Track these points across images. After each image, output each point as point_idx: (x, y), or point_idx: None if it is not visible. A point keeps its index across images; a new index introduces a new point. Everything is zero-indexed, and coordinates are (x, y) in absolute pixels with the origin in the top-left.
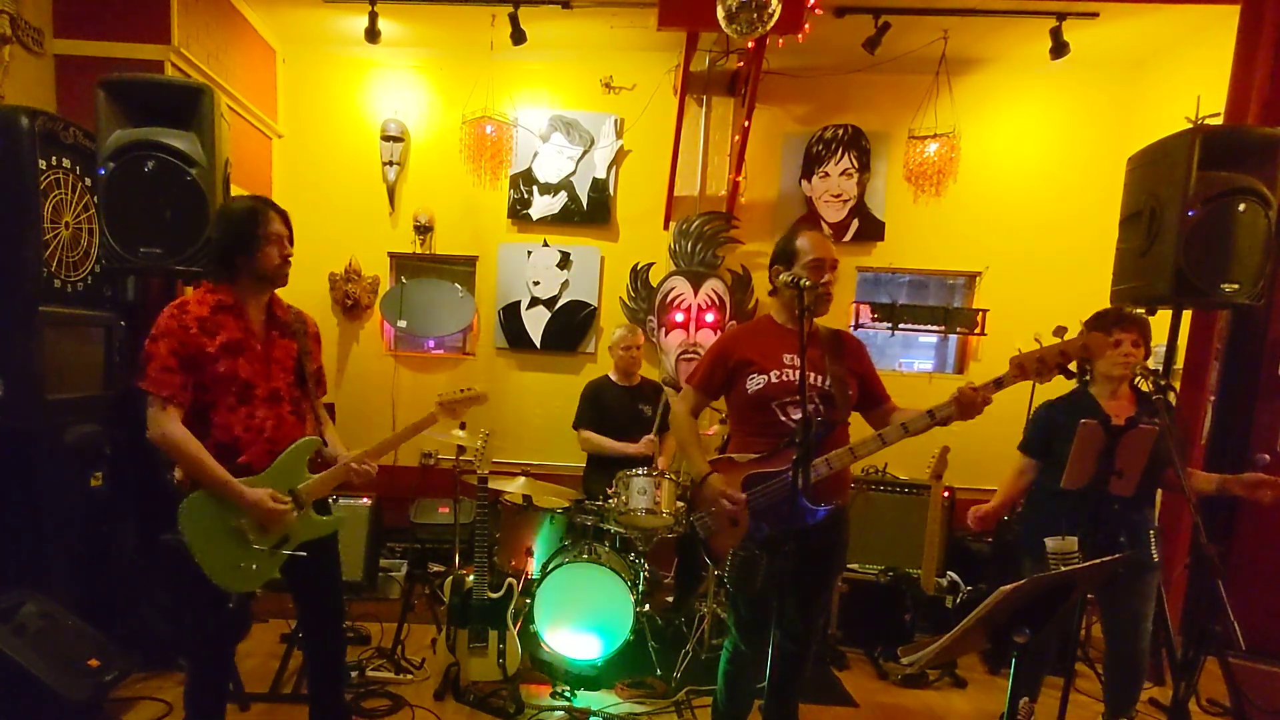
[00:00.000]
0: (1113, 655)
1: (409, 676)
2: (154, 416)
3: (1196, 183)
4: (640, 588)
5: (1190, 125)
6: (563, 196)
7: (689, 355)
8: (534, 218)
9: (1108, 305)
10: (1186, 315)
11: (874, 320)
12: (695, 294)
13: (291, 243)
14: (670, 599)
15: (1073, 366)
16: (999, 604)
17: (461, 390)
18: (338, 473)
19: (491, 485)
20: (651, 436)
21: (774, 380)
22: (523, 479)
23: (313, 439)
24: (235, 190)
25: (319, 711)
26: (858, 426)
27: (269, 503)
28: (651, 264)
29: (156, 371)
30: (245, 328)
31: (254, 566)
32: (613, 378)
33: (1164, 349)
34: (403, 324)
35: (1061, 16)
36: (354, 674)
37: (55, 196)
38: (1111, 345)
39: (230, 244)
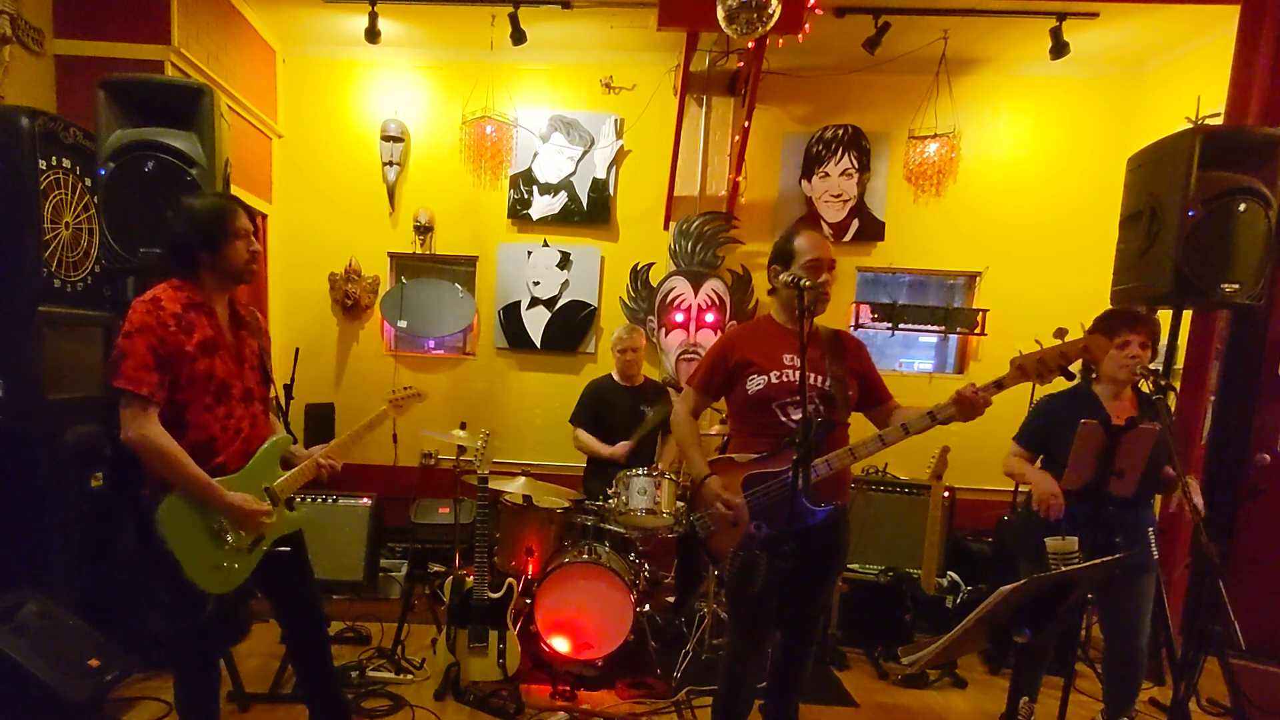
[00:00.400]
0: (1111, 654)
1: (409, 676)
2: (133, 416)
3: (1196, 183)
4: (640, 588)
5: (1190, 125)
6: (563, 196)
7: (689, 355)
8: (534, 218)
9: (1108, 305)
10: (1186, 315)
11: (874, 320)
12: (695, 294)
13: (257, 239)
14: (670, 599)
15: (1074, 368)
16: (999, 604)
17: (405, 388)
18: (307, 469)
19: (491, 485)
20: (628, 442)
21: (774, 381)
22: (523, 479)
23: (285, 437)
24: (236, 190)
25: (319, 711)
26: (859, 426)
27: (252, 504)
28: (651, 264)
29: (133, 369)
30: (216, 325)
31: (235, 566)
32: (615, 378)
33: (1164, 349)
34: (403, 324)
35: (1061, 16)
36: (354, 674)
37: (55, 197)
38: (1118, 346)
39: (195, 241)
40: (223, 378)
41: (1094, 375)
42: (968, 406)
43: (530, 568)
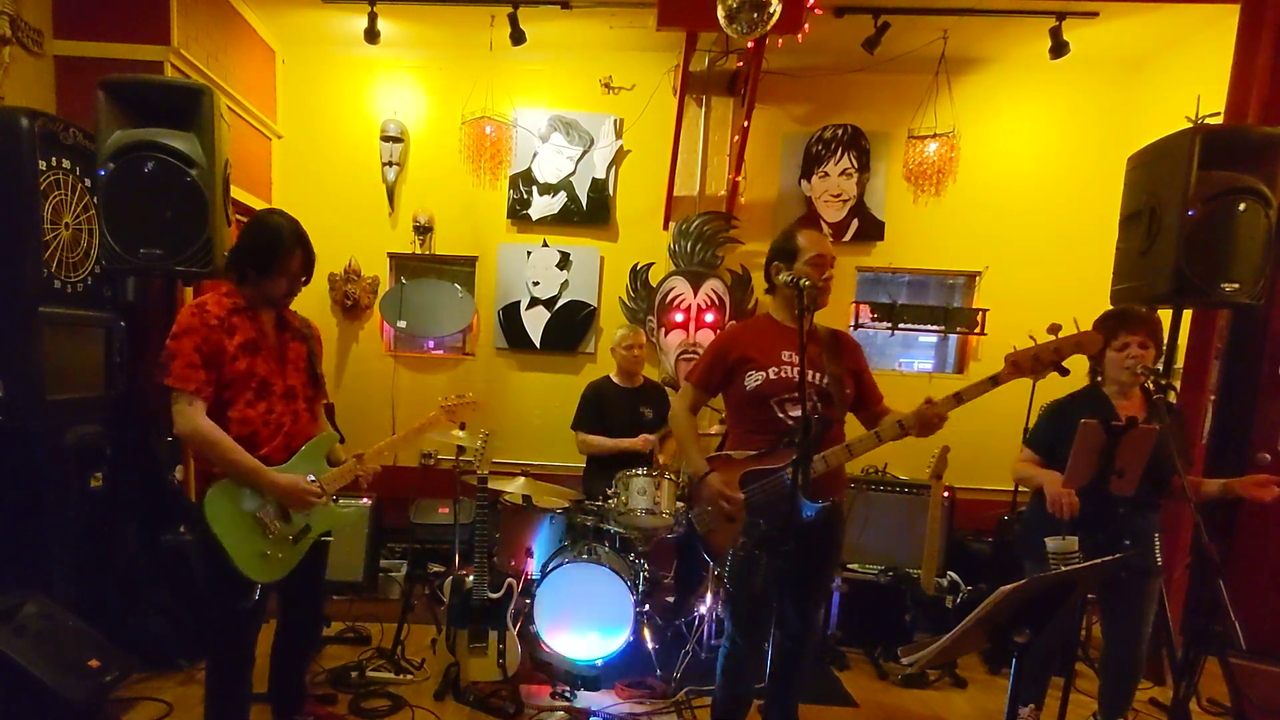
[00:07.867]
0: (1111, 658)
1: (409, 677)
2: (182, 411)
3: (1196, 182)
4: (640, 588)
5: (1190, 125)
6: (562, 196)
7: (689, 355)
8: (533, 218)
9: (1108, 304)
10: (1186, 315)
11: (874, 320)
12: (695, 294)
13: (308, 279)
14: (670, 599)
15: (1073, 364)
16: (999, 604)
17: (459, 395)
18: (352, 467)
19: (491, 485)
20: (648, 436)
21: (772, 377)
22: (522, 479)
23: (331, 434)
24: (235, 191)
25: (279, 695)
26: (852, 427)
27: (300, 484)
28: (651, 264)
29: (181, 368)
30: (259, 329)
31: (279, 555)
32: (614, 379)
33: (1164, 349)
34: (402, 324)
35: (1061, 16)
36: (354, 674)
37: (55, 197)
38: (1117, 349)
39: (248, 256)
40: (264, 376)
41: (1099, 378)
42: (928, 421)
43: (530, 568)
